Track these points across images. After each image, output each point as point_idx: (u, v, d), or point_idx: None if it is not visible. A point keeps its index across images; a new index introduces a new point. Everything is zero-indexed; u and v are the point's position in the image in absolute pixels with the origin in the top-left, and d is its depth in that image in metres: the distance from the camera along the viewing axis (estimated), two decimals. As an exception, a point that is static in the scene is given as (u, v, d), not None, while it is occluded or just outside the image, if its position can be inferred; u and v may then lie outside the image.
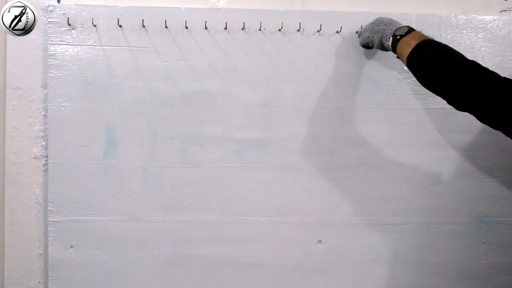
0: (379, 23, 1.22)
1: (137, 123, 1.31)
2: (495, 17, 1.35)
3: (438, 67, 1.03)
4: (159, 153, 1.32)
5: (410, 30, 1.13)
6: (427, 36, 1.11)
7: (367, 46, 1.27)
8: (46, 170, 1.33)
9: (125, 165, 1.32)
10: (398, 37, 1.13)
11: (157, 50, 1.30)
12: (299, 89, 1.33)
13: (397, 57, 1.15)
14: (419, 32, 1.13)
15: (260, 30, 1.31)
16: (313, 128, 1.34)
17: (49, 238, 1.32)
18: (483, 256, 1.39)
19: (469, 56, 1.33)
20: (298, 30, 1.31)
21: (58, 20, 1.28)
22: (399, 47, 1.12)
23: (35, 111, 1.32)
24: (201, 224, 1.35)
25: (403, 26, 1.15)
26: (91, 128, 1.31)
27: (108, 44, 1.29)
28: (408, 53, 1.08)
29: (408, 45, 1.09)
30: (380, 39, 1.20)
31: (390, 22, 1.20)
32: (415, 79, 1.33)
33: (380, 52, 1.32)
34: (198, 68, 1.31)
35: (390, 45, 1.16)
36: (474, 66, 0.99)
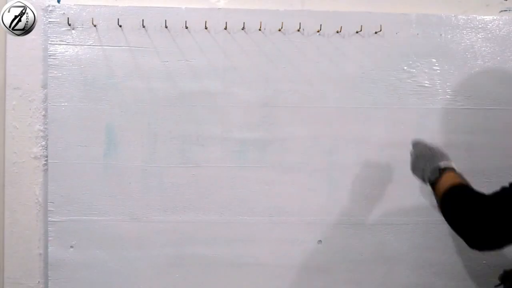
0: (420, 159, 1.17)
1: (137, 123, 1.31)
2: (495, 17, 1.35)
3: (468, 215, 1.00)
4: (159, 153, 1.32)
5: (443, 170, 1.09)
6: (457, 173, 1.09)
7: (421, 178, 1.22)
8: (46, 170, 1.33)
9: (125, 165, 1.32)
10: (432, 182, 1.10)
11: (157, 50, 1.30)
12: (299, 89, 1.33)
13: None
14: (451, 171, 1.09)
15: (260, 30, 1.31)
16: (313, 128, 1.34)
17: (49, 238, 1.32)
18: (483, 256, 1.39)
19: (469, 56, 1.35)
20: (298, 30, 1.31)
21: (58, 20, 1.28)
22: (435, 192, 1.10)
23: (35, 111, 1.32)
24: (201, 224, 1.35)
25: (437, 168, 1.10)
26: (91, 128, 1.31)
27: (108, 44, 1.29)
28: (440, 202, 1.07)
29: (439, 191, 1.07)
30: (423, 180, 1.16)
31: (430, 157, 1.15)
32: (415, 79, 1.34)
33: (379, 52, 1.32)
34: (198, 68, 1.31)
35: (430, 187, 1.13)
36: (502, 203, 0.97)
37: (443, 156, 1.14)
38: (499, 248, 0.97)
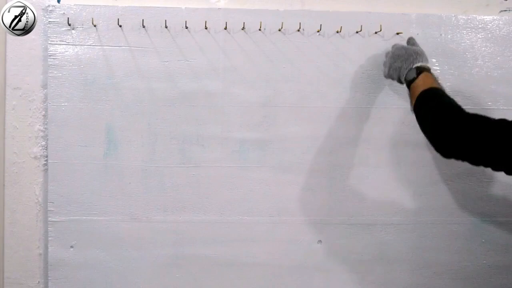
0: (396, 59, 1.20)
1: (137, 123, 1.31)
2: (495, 17, 1.35)
3: (437, 119, 1.02)
4: (159, 153, 1.32)
5: (420, 71, 1.14)
6: (433, 77, 1.13)
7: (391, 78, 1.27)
8: (46, 170, 1.33)
9: (125, 165, 1.32)
10: (409, 82, 1.15)
11: (157, 50, 1.30)
12: (299, 89, 1.33)
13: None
14: (428, 73, 1.14)
15: (260, 30, 1.31)
16: (313, 128, 1.34)
17: (49, 238, 1.32)
18: (483, 256, 1.39)
19: (469, 56, 1.35)
20: (298, 30, 1.31)
21: (58, 20, 1.28)
22: (410, 93, 1.15)
23: (35, 111, 1.32)
24: (201, 224, 1.35)
25: (413, 67, 1.16)
26: (91, 128, 1.31)
27: (108, 44, 1.29)
28: (413, 104, 1.11)
29: (414, 93, 1.11)
30: (399, 79, 1.21)
31: (406, 57, 1.19)
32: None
33: (379, 51, 1.32)
34: (198, 68, 1.31)
35: (406, 87, 1.18)
36: (473, 116, 0.99)
37: (419, 56, 1.18)
38: (463, 158, 0.99)
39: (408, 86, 1.16)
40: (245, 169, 1.34)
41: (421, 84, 1.12)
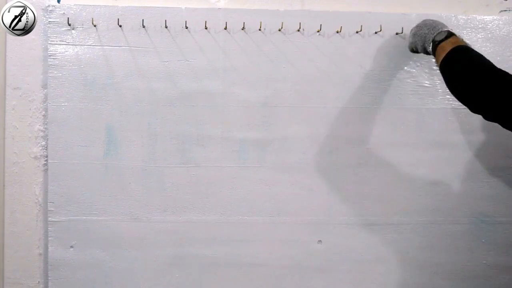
0: (422, 27, 1.20)
1: (137, 123, 1.31)
2: (495, 17, 1.35)
3: (468, 76, 1.01)
4: (159, 153, 1.32)
5: (450, 34, 1.12)
6: (464, 42, 1.09)
7: (414, 50, 1.26)
8: (46, 170, 1.33)
9: (125, 165, 1.32)
10: (437, 42, 1.12)
11: (157, 50, 1.30)
12: (299, 89, 1.33)
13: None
14: (458, 37, 1.11)
15: (260, 30, 1.31)
16: (313, 128, 1.34)
17: (49, 238, 1.32)
18: (483, 256, 1.39)
19: (469, 56, 1.35)
20: (298, 30, 1.31)
21: (58, 20, 1.28)
22: (437, 53, 1.11)
23: (35, 111, 1.32)
24: (201, 224, 1.35)
25: (443, 31, 1.14)
26: (91, 128, 1.31)
27: (108, 44, 1.29)
28: (441, 60, 1.07)
29: (442, 51, 1.08)
30: (423, 44, 1.18)
31: (433, 25, 1.18)
32: (415, 79, 1.34)
33: (378, 51, 1.32)
34: (198, 68, 1.31)
35: (431, 51, 1.14)
36: (503, 74, 0.98)
37: (445, 26, 1.17)
38: (492, 117, 0.98)
39: (434, 48, 1.13)
40: (245, 169, 1.34)
41: (452, 43, 1.09)
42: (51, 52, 1.28)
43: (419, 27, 1.22)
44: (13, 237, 1.36)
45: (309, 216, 1.36)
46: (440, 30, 1.15)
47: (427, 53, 1.20)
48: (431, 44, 1.15)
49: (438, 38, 1.12)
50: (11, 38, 1.28)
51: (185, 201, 1.34)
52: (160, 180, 1.33)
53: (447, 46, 1.08)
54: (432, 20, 1.22)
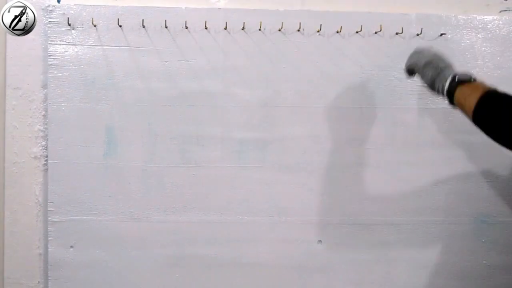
0: (441, 61, 1.11)
1: (137, 123, 1.31)
2: (495, 17, 1.35)
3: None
4: (159, 153, 1.32)
5: (472, 78, 1.05)
6: (489, 87, 1.02)
7: (410, 71, 1.19)
8: (46, 170, 1.33)
9: (125, 165, 1.32)
10: (459, 82, 1.04)
11: (157, 50, 1.30)
12: (299, 89, 1.33)
13: (450, 104, 1.07)
14: (481, 82, 1.04)
15: (260, 30, 1.31)
16: (313, 128, 1.34)
17: (49, 238, 1.32)
18: (483, 256, 1.39)
19: (469, 56, 1.35)
20: (298, 30, 1.31)
21: (58, 20, 1.28)
22: (459, 94, 1.03)
23: (35, 111, 1.32)
24: (201, 224, 1.35)
25: (464, 73, 1.06)
26: (91, 128, 1.31)
27: (108, 44, 1.29)
28: (474, 105, 0.99)
29: (472, 96, 1.00)
30: (434, 78, 1.10)
31: (449, 64, 1.10)
32: (415, 79, 1.33)
33: (378, 51, 1.32)
34: (198, 68, 1.31)
35: (446, 88, 1.06)
36: None
37: (447, 67, 1.10)
38: None
39: (449, 91, 1.06)
40: (245, 169, 1.34)
41: (476, 88, 1.01)
42: (51, 52, 1.28)
43: (435, 57, 1.13)
44: (13, 237, 1.36)
45: (309, 216, 1.36)
46: (457, 71, 1.07)
47: (431, 87, 1.12)
48: (448, 81, 1.06)
49: (462, 78, 1.04)
50: (11, 38, 1.28)
51: (185, 201, 1.34)
52: (160, 180, 1.33)
53: (474, 92, 1.00)
54: (445, 57, 1.13)
